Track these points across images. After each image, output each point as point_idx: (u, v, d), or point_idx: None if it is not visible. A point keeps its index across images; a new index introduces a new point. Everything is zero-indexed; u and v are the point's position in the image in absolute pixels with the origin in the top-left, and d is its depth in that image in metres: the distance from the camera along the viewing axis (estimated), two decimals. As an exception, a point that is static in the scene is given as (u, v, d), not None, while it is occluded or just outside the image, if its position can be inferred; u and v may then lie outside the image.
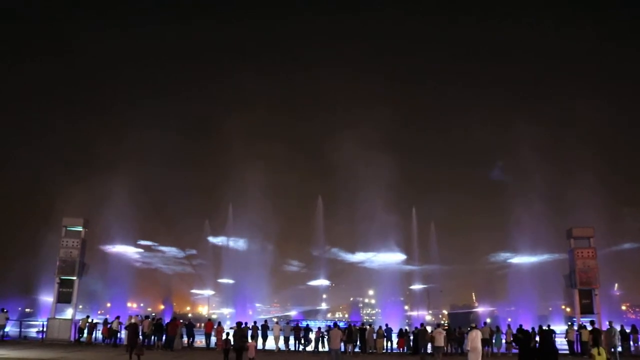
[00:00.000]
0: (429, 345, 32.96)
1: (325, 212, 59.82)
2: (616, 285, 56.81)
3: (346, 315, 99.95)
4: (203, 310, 79.71)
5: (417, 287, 62.99)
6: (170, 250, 66.10)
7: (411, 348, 35.41)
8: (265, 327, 36.75)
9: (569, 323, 38.77)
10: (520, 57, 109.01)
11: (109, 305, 56.44)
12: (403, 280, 59.83)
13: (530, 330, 30.51)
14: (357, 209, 55.46)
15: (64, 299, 38.34)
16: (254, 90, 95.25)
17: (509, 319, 49.11)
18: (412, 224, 59.93)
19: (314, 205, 60.24)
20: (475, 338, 22.48)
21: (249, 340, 27.80)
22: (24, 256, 50.24)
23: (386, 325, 37.65)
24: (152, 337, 34.36)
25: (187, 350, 34.44)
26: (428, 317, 72.91)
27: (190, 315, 78.58)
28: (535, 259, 51.44)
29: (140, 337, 30.85)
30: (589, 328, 33.68)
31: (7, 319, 36.86)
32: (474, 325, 25.09)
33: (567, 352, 34.85)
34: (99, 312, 54.29)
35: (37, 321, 42.85)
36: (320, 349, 35.85)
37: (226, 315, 59.02)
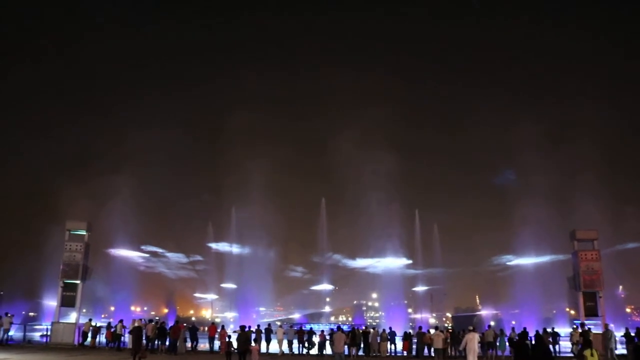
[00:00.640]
0: (431, 348, 33.05)
1: (328, 214, 59.89)
2: (620, 287, 56.67)
3: (350, 319, 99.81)
4: (206, 313, 79.72)
5: (420, 289, 62.91)
6: (174, 256, 66.30)
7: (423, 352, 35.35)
8: (269, 331, 36.72)
9: (574, 326, 38.61)
10: (521, 58, 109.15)
11: (112, 309, 56.47)
12: (406, 283, 59.88)
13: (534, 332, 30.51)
14: (360, 211, 55.51)
15: (67, 302, 38.32)
16: (255, 91, 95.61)
17: (513, 322, 49.04)
18: (415, 227, 59.92)
19: (317, 207, 60.31)
20: (472, 340, 23.06)
21: (253, 344, 27.80)
22: (27, 260, 50.32)
23: (390, 328, 37.59)
24: (156, 341, 34.37)
25: (190, 353, 34.42)
26: (432, 320, 72.76)
27: (193, 318, 78.47)
28: (539, 260, 51.35)
29: (144, 341, 30.83)
30: (579, 330, 33.67)
31: (12, 322, 36.89)
32: (471, 328, 25.53)
33: (572, 354, 34.69)
34: (102, 315, 54.38)
35: (41, 325, 42.89)
36: (324, 352, 35.78)
37: (229, 319, 59.02)
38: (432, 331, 35.13)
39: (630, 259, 51.50)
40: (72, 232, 39.47)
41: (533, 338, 20.71)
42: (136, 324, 31.13)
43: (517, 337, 25.97)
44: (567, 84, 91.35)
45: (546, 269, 50.10)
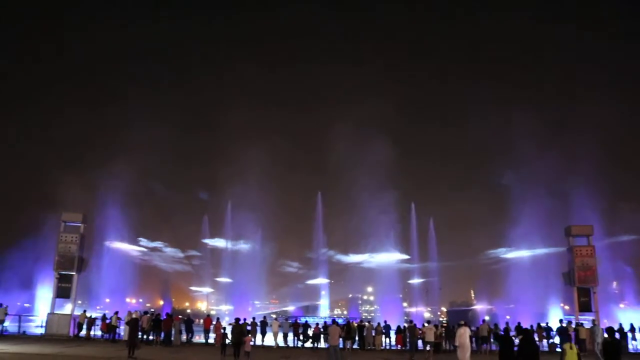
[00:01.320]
0: (420, 342, 33.27)
1: (324, 207, 59.91)
2: (615, 283, 56.88)
3: (345, 312, 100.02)
4: (202, 306, 79.88)
5: (415, 281, 63.04)
6: (169, 250, 66.38)
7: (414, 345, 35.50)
8: (264, 324, 36.82)
9: (567, 321, 38.76)
10: (518, 53, 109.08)
11: (107, 300, 56.46)
12: (402, 277, 59.98)
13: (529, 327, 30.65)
14: (356, 205, 55.57)
15: (63, 294, 38.33)
16: (251, 85, 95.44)
17: (508, 317, 49.25)
18: (411, 220, 60.03)
19: (313, 201, 60.32)
20: (463, 334, 23.61)
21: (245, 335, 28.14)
22: (22, 251, 50.20)
23: (385, 322, 37.74)
24: (152, 333, 34.41)
25: (185, 345, 34.47)
26: (426, 314, 73.03)
27: (189, 311, 78.62)
28: (533, 252, 51.57)
29: (139, 332, 30.86)
30: (573, 326, 33.89)
31: (6, 314, 36.88)
32: (462, 322, 25.78)
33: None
34: (97, 307, 54.29)
35: (36, 316, 42.88)
36: (318, 345, 35.89)
37: (225, 312, 59.11)
38: (427, 325, 35.24)
39: (625, 256, 51.62)
40: (67, 224, 39.42)
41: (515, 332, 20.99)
42: (133, 316, 31.23)
43: (501, 332, 26.37)
44: (565, 79, 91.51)
45: (541, 263, 50.32)
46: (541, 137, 56.54)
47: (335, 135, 58.41)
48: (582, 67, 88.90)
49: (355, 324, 37.48)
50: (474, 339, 33.83)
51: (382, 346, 36.10)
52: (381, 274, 57.10)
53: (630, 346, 36.78)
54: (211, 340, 35.27)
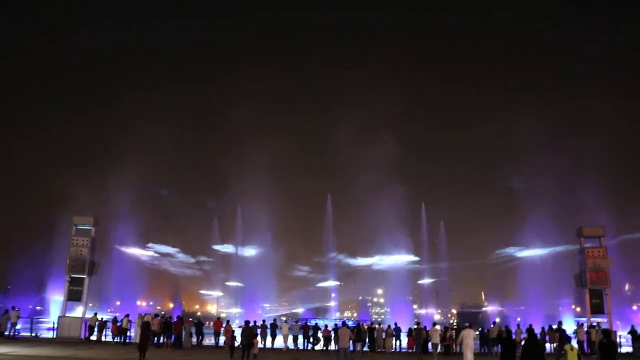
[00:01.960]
0: (430, 344, 33.23)
1: (333, 211, 59.85)
2: (627, 285, 56.43)
3: (355, 314, 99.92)
4: (212, 309, 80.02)
5: (425, 281, 62.77)
6: (180, 255, 66.63)
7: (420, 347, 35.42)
8: (274, 326, 36.82)
9: (579, 324, 38.51)
10: (525, 55, 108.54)
11: (118, 303, 56.74)
12: (412, 278, 59.75)
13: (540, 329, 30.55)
14: (366, 207, 55.51)
15: (74, 297, 38.50)
16: (258, 87, 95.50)
17: (519, 319, 48.95)
18: (422, 221, 59.86)
19: (322, 204, 60.27)
20: (467, 336, 24.03)
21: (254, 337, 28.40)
22: (34, 254, 50.56)
23: (395, 324, 37.62)
24: (162, 336, 34.53)
25: (195, 348, 34.54)
26: (436, 317, 72.74)
27: (199, 313, 78.84)
28: (543, 251, 51.30)
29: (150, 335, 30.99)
30: (585, 328, 33.59)
31: (19, 317, 37.17)
32: (467, 324, 25.96)
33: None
34: (108, 310, 54.60)
35: (47, 319, 43.15)
36: (329, 347, 35.84)
37: (235, 315, 59.23)
38: (434, 326, 35.22)
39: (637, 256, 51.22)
40: (78, 227, 39.62)
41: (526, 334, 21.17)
42: (145, 319, 31.35)
43: (505, 334, 26.50)
44: (572, 80, 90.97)
45: (552, 264, 50.01)
46: (549, 137, 56.37)
47: (343, 137, 58.43)
48: (587, 64, 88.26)
49: (366, 326, 37.37)
50: (477, 341, 33.82)
51: (392, 349, 35.94)
52: (391, 276, 56.98)
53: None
54: (221, 343, 35.30)
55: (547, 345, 34.10)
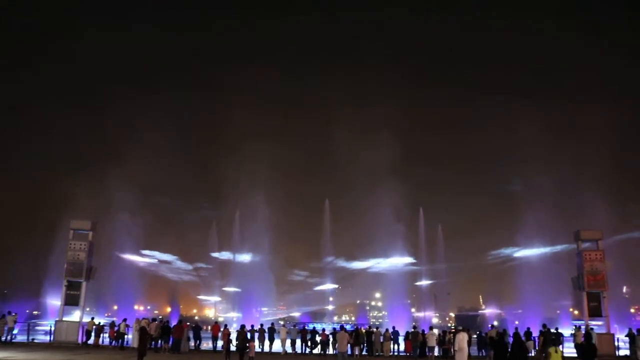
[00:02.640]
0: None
1: (331, 215, 59.79)
2: (624, 287, 56.53)
3: (353, 318, 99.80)
4: (210, 313, 79.87)
5: (423, 283, 62.72)
6: (177, 262, 66.62)
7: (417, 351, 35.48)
8: (272, 330, 36.76)
9: (576, 327, 38.51)
10: (524, 58, 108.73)
11: (115, 307, 56.59)
12: (409, 281, 59.68)
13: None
14: (363, 210, 55.52)
15: (71, 301, 38.38)
16: (256, 90, 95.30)
17: (516, 322, 48.96)
18: (420, 226, 59.88)
19: (320, 208, 60.23)
20: (462, 340, 24.69)
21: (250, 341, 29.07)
22: (31, 259, 50.46)
23: (393, 327, 37.59)
24: (160, 340, 34.44)
25: (194, 352, 34.47)
26: (435, 320, 72.68)
27: (197, 317, 78.66)
28: (542, 250, 51.42)
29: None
30: (582, 331, 33.63)
31: (15, 321, 37.07)
32: (461, 328, 26.37)
33: (575, 355, 34.62)
34: (106, 314, 54.45)
35: (45, 323, 43.01)
36: (327, 351, 35.78)
37: (233, 319, 59.13)
38: (430, 330, 35.30)
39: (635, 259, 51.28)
40: (76, 231, 39.51)
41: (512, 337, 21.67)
42: (142, 324, 31.32)
43: (496, 336, 26.85)
44: (570, 83, 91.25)
45: (550, 265, 50.06)
46: (548, 139, 56.61)
47: (341, 140, 58.53)
48: (585, 66, 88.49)
49: (364, 330, 37.31)
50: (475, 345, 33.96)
51: (390, 352, 35.91)
52: (389, 279, 56.90)
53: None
54: (219, 347, 35.22)
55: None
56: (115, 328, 36.62)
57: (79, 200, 48.23)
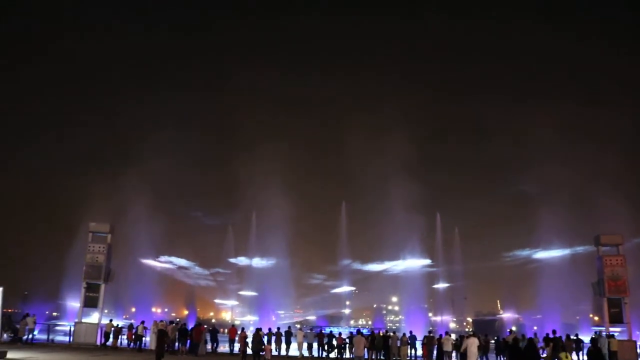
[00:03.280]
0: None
1: (348, 218, 59.74)
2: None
3: (369, 322, 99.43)
4: (226, 316, 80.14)
5: (441, 285, 62.35)
6: (194, 268, 67.03)
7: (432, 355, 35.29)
8: (289, 333, 36.75)
9: (596, 333, 37.86)
10: (540, 63, 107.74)
11: (133, 309, 57.03)
12: (427, 284, 59.38)
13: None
14: (381, 214, 55.38)
15: (90, 303, 38.72)
16: (271, 92, 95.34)
17: (535, 327, 48.37)
18: (437, 230, 59.62)
19: (336, 211, 60.21)
20: (472, 344, 24.40)
21: (266, 344, 29.89)
22: (51, 261, 51.03)
23: (410, 332, 37.37)
24: (177, 343, 34.61)
25: (210, 355, 34.57)
26: (452, 325, 72.15)
27: (213, 320, 78.96)
28: (561, 252, 50.88)
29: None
30: (551, 336, 33.02)
31: (35, 322, 37.53)
32: (471, 332, 26.29)
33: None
34: (124, 316, 54.93)
35: (64, 325, 43.45)
36: (343, 355, 35.68)
37: (250, 322, 59.29)
38: (446, 335, 35.07)
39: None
40: (95, 234, 39.89)
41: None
42: (160, 326, 31.54)
43: (512, 341, 26.85)
44: (586, 87, 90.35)
45: (569, 268, 49.46)
46: (563, 142, 56.08)
47: (357, 143, 58.48)
48: (601, 70, 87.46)
49: (381, 334, 37.17)
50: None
51: (407, 357, 35.68)
52: (406, 281, 56.66)
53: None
54: (236, 350, 35.29)
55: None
56: (133, 330, 36.88)
57: (96, 203, 48.60)
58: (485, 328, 58.49)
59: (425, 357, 35.70)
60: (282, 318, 67.49)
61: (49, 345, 36.11)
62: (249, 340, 30.63)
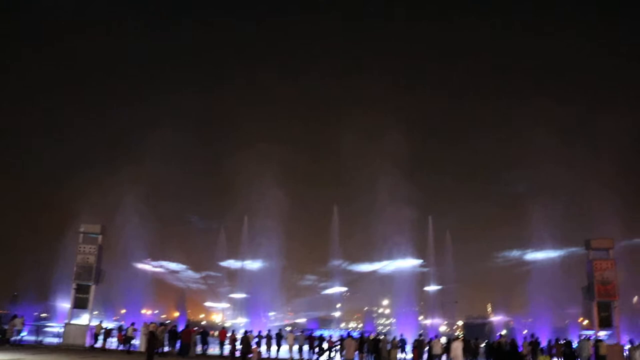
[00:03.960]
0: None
1: (340, 220, 59.76)
2: (635, 297, 55.93)
3: (360, 325, 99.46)
4: (217, 318, 79.89)
5: (432, 288, 62.49)
6: (185, 271, 66.85)
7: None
8: (279, 336, 36.75)
9: (585, 337, 38.05)
10: (533, 65, 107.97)
11: (123, 311, 56.71)
12: (418, 285, 59.40)
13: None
14: (372, 216, 55.37)
15: (80, 304, 38.55)
16: (265, 93, 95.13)
17: (525, 331, 48.57)
18: (428, 234, 59.74)
19: (329, 213, 60.21)
20: (456, 348, 25.72)
21: (254, 346, 30.45)
22: (40, 262, 50.64)
23: (401, 335, 37.42)
24: (166, 345, 34.47)
25: (201, 357, 34.48)
26: (442, 328, 72.24)
27: (204, 322, 78.67)
28: (551, 254, 51.09)
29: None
30: (529, 340, 33.24)
31: (24, 324, 37.24)
32: (456, 336, 26.86)
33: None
34: (113, 318, 54.60)
35: (54, 326, 43.19)
36: (334, 358, 35.69)
37: (240, 325, 59.12)
38: (435, 338, 35.22)
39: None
40: (86, 235, 39.70)
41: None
42: (150, 329, 31.44)
43: (496, 345, 27.24)
44: (579, 88, 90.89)
45: (559, 271, 49.67)
46: (556, 143, 56.33)
47: (349, 145, 58.52)
48: (592, 71, 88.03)
49: (371, 337, 37.18)
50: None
51: (397, 360, 35.76)
52: (397, 282, 56.66)
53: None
54: (226, 352, 35.25)
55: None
56: (123, 332, 36.70)
57: (89, 203, 48.32)
58: (475, 331, 58.71)
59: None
60: (272, 320, 67.33)
61: (38, 347, 35.90)
62: (238, 343, 30.87)
